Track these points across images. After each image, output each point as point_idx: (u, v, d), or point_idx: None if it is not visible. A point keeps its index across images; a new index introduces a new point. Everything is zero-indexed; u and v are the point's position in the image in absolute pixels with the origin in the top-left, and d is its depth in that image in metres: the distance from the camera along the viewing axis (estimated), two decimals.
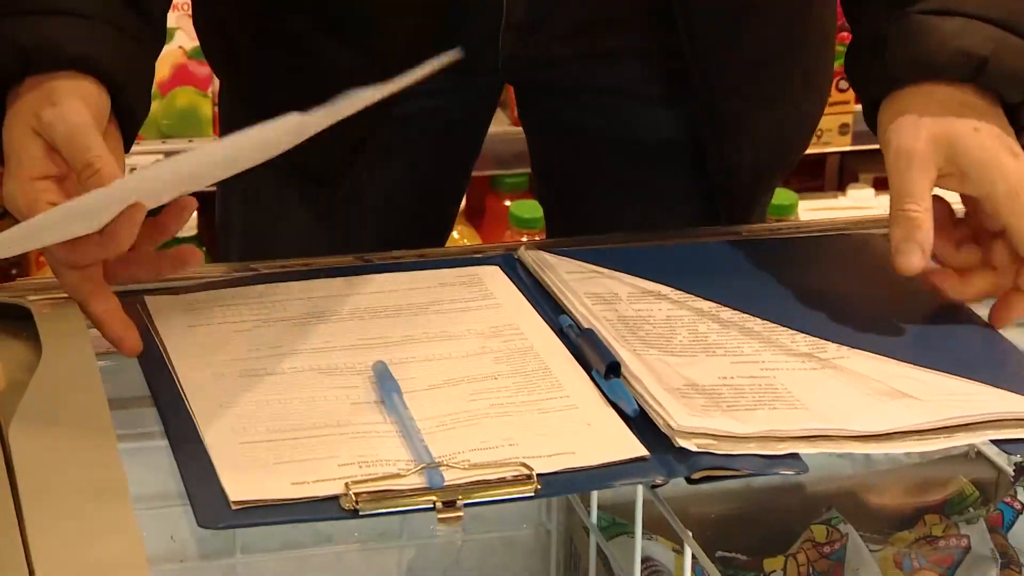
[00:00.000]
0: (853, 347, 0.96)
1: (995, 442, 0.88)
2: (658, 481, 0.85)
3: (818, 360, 0.94)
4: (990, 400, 0.90)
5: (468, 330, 0.98)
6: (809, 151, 2.19)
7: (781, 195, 2.15)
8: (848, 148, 2.22)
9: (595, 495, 1.00)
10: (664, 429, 0.86)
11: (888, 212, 0.99)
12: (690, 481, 0.84)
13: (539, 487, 0.82)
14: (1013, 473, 1.05)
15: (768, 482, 1.07)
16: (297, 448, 0.85)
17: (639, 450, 0.86)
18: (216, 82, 2.02)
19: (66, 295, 0.98)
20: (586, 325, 0.97)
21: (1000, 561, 1.00)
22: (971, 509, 1.06)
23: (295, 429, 0.87)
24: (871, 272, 1.06)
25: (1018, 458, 1.08)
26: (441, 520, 0.81)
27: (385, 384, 0.90)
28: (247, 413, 0.88)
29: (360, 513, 0.80)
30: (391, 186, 1.24)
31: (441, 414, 0.88)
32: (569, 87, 1.22)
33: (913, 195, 0.97)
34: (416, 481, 0.82)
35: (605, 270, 1.04)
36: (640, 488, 0.92)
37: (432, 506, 0.81)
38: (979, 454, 1.10)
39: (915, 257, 0.97)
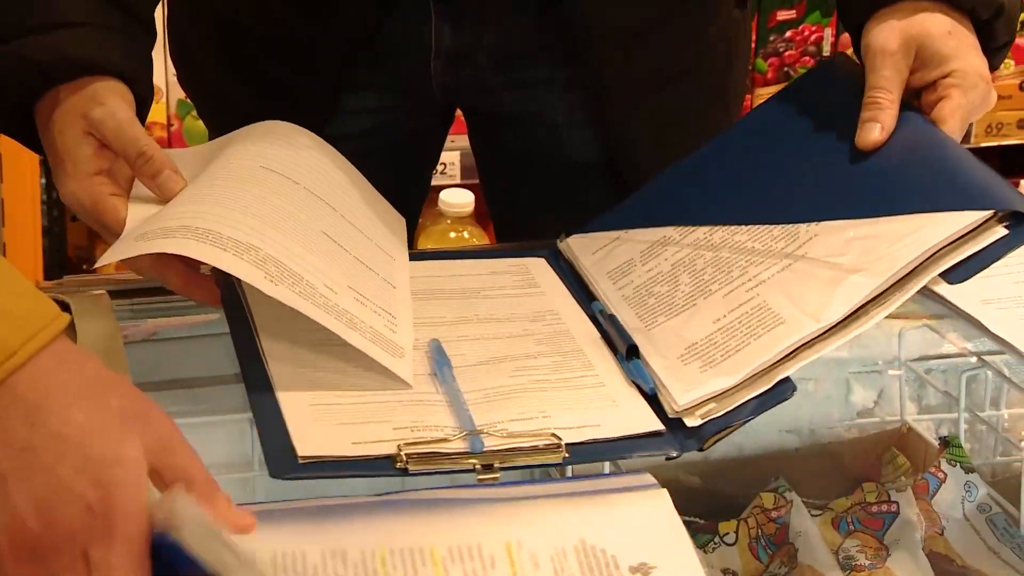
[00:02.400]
0: (819, 220, 0.94)
1: (942, 275, 0.87)
2: (672, 454, 0.85)
3: (792, 255, 0.93)
4: (930, 232, 0.88)
5: (513, 314, 0.98)
6: None
7: None
8: None
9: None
10: (671, 414, 0.87)
11: None
12: (701, 449, 0.85)
13: (567, 455, 0.83)
14: (938, 446, 1.04)
15: (725, 455, 1.07)
16: (358, 411, 0.85)
17: (656, 425, 0.86)
18: None
19: (103, 291, 0.98)
20: (610, 311, 0.97)
21: (924, 524, 0.99)
22: (902, 478, 1.06)
23: (358, 394, 0.87)
24: (831, 112, 1.02)
25: (944, 432, 1.08)
26: (480, 480, 0.81)
27: (438, 359, 0.91)
28: (318, 378, 0.88)
29: (409, 472, 0.80)
30: None
31: (486, 387, 0.89)
32: (503, 114, 1.21)
33: (883, 87, 0.96)
34: (460, 446, 0.82)
35: (622, 233, 1.03)
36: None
37: (472, 468, 0.81)
38: (910, 429, 1.09)
39: (875, 132, 0.95)
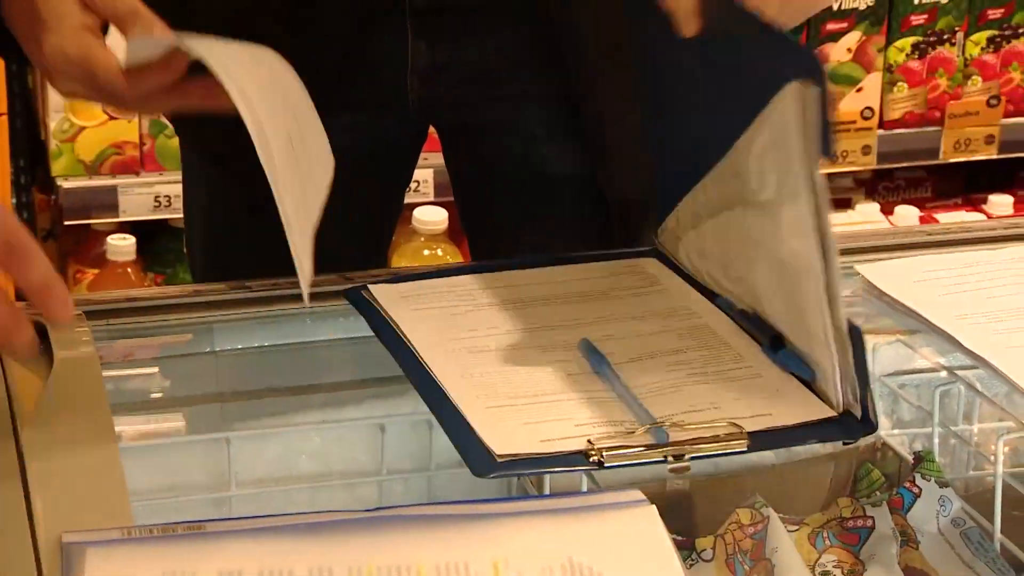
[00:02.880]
0: (730, 142, 0.93)
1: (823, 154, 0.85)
2: (848, 440, 0.88)
3: (748, 199, 0.93)
4: (785, 120, 0.86)
5: (647, 311, 1.01)
6: None
7: None
8: None
9: (547, 479, 1.00)
10: (837, 410, 0.89)
11: None
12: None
13: (750, 443, 0.85)
14: (912, 461, 1.05)
15: (701, 471, 1.07)
16: (535, 411, 0.88)
17: (828, 412, 0.88)
18: None
19: (79, 312, 0.98)
20: (738, 305, 0.98)
21: (900, 539, 0.99)
22: (877, 493, 1.06)
23: (529, 395, 0.89)
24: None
25: (917, 447, 1.08)
26: (672, 470, 0.84)
27: (595, 358, 0.93)
28: (486, 383, 0.90)
29: (604, 465, 0.83)
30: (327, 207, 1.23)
31: (646, 382, 0.91)
32: (479, 128, 1.22)
33: None
34: (646, 439, 0.84)
35: (677, 210, 1.05)
36: (583, 475, 0.92)
37: (664, 459, 0.84)
38: (884, 444, 1.10)
39: (691, 23, 0.91)
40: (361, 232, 1.25)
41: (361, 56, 1.16)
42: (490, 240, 1.29)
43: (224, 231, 1.27)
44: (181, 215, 2.09)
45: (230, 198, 1.24)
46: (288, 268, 1.11)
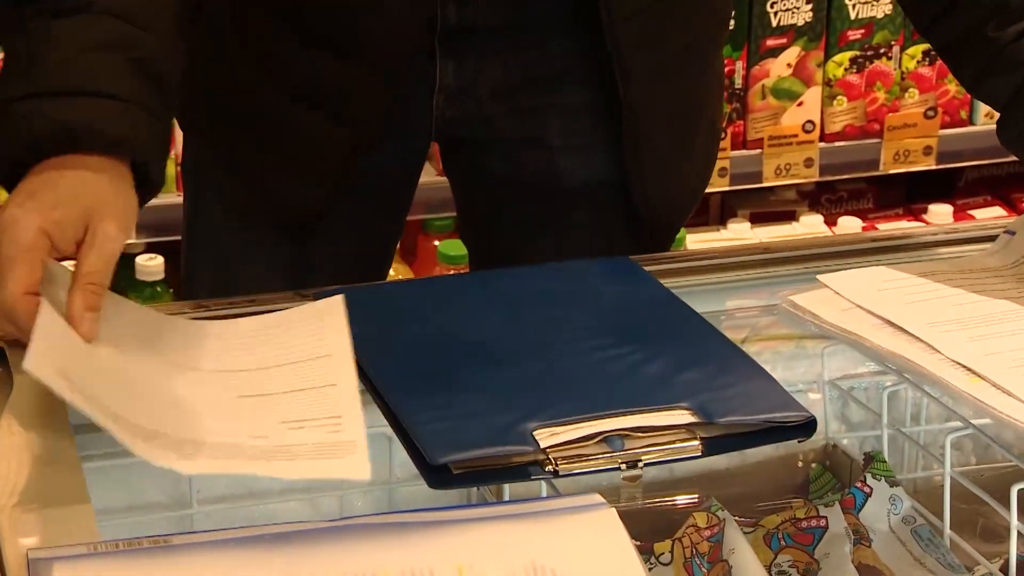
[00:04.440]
0: None
1: None
2: (802, 439, 0.89)
3: None
4: None
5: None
6: None
7: None
8: (727, 188, 2.24)
9: (507, 488, 1.00)
10: None
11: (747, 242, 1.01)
12: None
13: (703, 448, 0.86)
14: (863, 462, 1.06)
15: (656, 477, 1.08)
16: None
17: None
18: (179, 145, 2.00)
19: None
20: None
21: (853, 538, 1.01)
22: (829, 494, 1.07)
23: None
24: None
25: (868, 448, 1.10)
26: (625, 479, 0.85)
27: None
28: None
29: (559, 474, 0.83)
30: (341, 235, 1.24)
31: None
32: (493, 141, 1.23)
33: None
34: (601, 448, 0.85)
35: None
36: (543, 483, 0.92)
37: (618, 467, 0.84)
38: (835, 447, 1.11)
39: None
40: (365, 259, 1.25)
41: (394, 82, 1.16)
42: (497, 252, 1.29)
43: (236, 251, 1.26)
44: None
45: (249, 216, 1.23)
46: (295, 283, 1.12)
